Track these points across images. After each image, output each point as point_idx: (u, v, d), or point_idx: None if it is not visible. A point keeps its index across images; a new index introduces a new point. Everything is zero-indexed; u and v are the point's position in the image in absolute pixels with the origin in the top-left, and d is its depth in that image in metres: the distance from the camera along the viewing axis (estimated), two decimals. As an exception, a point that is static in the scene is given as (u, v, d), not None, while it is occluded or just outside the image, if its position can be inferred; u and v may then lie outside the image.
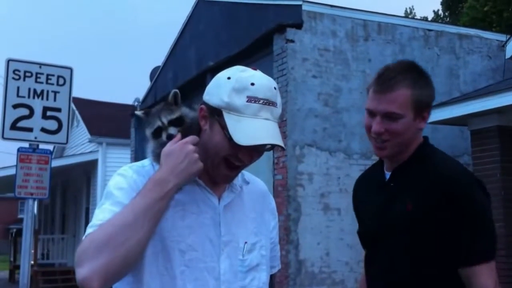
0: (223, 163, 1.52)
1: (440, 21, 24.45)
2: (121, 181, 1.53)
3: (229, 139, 1.45)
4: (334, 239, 8.44)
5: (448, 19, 25.12)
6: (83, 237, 1.40)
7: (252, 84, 1.47)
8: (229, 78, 1.49)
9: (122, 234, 1.33)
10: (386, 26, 9.35)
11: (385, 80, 1.83)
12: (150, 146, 1.62)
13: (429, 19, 25.09)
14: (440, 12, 25.97)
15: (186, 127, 1.57)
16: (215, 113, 1.50)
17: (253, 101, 1.46)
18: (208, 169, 1.55)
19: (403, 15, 24.91)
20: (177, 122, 1.56)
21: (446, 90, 9.55)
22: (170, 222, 1.51)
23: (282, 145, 1.48)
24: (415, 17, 25.29)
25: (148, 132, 1.59)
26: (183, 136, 1.52)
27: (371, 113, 1.87)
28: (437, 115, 8.13)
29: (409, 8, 28.91)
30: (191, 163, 1.45)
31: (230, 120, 1.46)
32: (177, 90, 1.61)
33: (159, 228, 1.46)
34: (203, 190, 1.58)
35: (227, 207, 1.60)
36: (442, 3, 25.33)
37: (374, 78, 1.88)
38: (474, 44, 10.21)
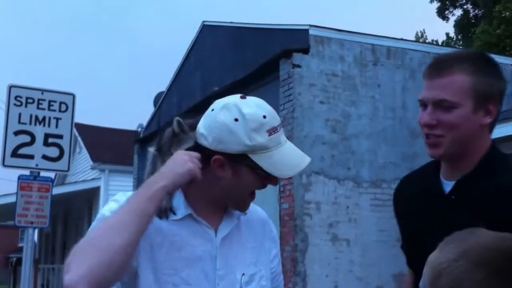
0: (249, 195, 1.56)
1: (452, 44, 24.22)
2: (114, 206, 1.50)
3: (267, 176, 1.49)
4: (343, 271, 8.18)
5: (461, 42, 24.87)
6: None
7: (264, 116, 1.47)
8: (236, 120, 1.46)
9: (106, 236, 1.32)
10: (396, 51, 9.19)
11: (439, 64, 1.57)
12: (147, 166, 1.61)
13: (442, 42, 24.90)
14: (453, 35, 25.74)
15: None
16: (239, 159, 1.48)
17: (273, 132, 1.48)
18: (224, 203, 1.57)
19: (413, 39, 24.58)
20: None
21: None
22: (165, 253, 1.48)
23: (309, 158, 1.59)
24: (427, 41, 25.05)
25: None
26: None
27: (423, 104, 1.58)
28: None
29: (421, 31, 28.68)
30: (179, 165, 1.44)
31: (260, 159, 1.47)
32: (178, 118, 1.60)
33: (151, 259, 1.46)
34: (200, 224, 1.55)
35: (224, 239, 1.57)
36: (454, 26, 25.14)
37: (428, 64, 1.61)
38: (486, 69, 10.02)
